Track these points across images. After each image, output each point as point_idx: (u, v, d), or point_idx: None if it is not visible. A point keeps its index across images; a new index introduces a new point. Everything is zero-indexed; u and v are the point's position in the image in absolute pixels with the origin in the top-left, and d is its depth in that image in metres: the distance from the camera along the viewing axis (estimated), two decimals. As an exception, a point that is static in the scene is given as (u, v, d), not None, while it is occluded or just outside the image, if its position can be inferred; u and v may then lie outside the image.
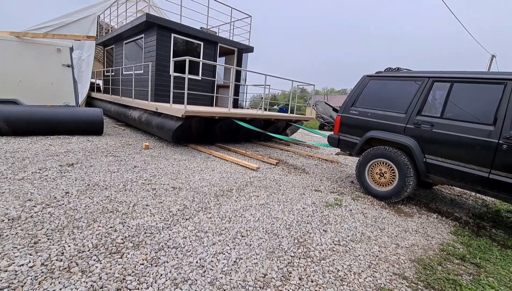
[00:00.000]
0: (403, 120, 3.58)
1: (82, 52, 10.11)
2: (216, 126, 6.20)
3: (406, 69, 4.04)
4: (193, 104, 8.16)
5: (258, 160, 5.45)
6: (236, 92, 9.77)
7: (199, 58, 8.38)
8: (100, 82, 14.96)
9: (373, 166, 3.88)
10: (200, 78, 8.58)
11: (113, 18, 10.39)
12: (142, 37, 8.22)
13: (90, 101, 11.29)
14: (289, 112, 9.39)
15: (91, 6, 10.47)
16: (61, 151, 4.50)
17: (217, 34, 9.01)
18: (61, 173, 3.44)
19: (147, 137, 6.86)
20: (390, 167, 3.68)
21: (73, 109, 6.36)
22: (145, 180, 3.52)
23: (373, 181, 3.89)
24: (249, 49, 9.74)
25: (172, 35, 7.77)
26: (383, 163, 3.76)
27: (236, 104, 9.91)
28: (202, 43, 8.41)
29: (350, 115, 4.19)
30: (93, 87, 12.59)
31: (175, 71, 7.69)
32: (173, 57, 7.76)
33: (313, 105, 14.91)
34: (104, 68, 12.51)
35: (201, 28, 8.62)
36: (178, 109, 5.23)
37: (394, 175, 3.64)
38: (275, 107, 22.91)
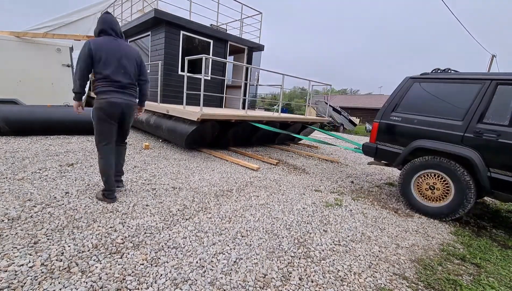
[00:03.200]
0: (460, 129, 3.14)
1: None
2: (231, 130, 5.81)
3: (453, 70, 3.69)
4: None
5: (258, 160, 5.45)
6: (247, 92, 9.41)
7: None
8: None
9: (421, 178, 3.43)
10: (209, 78, 8.14)
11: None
12: (148, 35, 7.80)
13: (91, 102, 11.20)
14: (305, 113, 9.18)
15: (91, 6, 10.47)
16: (61, 151, 4.50)
17: (227, 32, 8.57)
18: (61, 173, 3.44)
19: (147, 137, 6.86)
20: (443, 180, 3.25)
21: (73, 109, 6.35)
22: (145, 180, 3.52)
23: (421, 195, 3.44)
24: (260, 47, 9.24)
25: (181, 32, 7.30)
26: (434, 175, 3.32)
27: (247, 106, 9.68)
28: (211, 41, 7.98)
29: (391, 122, 3.73)
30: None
31: (182, 70, 7.43)
32: (181, 56, 7.39)
33: (314, 105, 14.93)
34: None
35: (211, 25, 8.19)
36: (193, 112, 4.86)
37: (448, 189, 3.21)
38: (275, 107, 22.93)
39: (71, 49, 7.26)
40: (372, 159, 4.23)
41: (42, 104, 6.49)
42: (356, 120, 18.35)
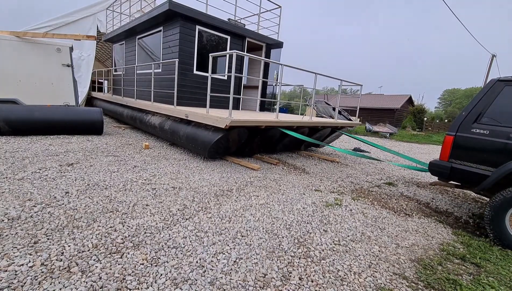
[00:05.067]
0: None
1: (82, 52, 10.10)
2: (258, 137, 5.22)
3: None
4: (216, 108, 6.88)
5: (258, 160, 5.45)
6: (264, 93, 8.66)
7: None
8: (106, 82, 14.73)
9: None
10: (225, 78, 7.52)
11: (116, 16, 10.16)
12: (160, 31, 7.17)
13: (96, 104, 10.91)
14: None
15: (91, 6, 10.45)
16: (61, 151, 4.50)
17: (245, 27, 7.84)
18: (61, 172, 3.44)
19: (147, 137, 6.86)
20: None
21: (73, 109, 6.36)
22: (145, 179, 3.52)
23: None
24: (279, 44, 8.47)
25: (197, 27, 6.62)
26: None
27: (263, 107, 8.84)
28: (229, 38, 7.33)
29: (474, 135, 3.06)
30: (100, 88, 12.31)
31: (197, 69, 6.88)
32: (196, 54, 6.77)
33: (313, 105, 14.90)
34: (113, 66, 11.35)
35: (228, 19, 7.49)
36: (220, 118, 4.22)
37: None
38: (274, 107, 22.90)
39: (71, 49, 7.25)
40: (436, 179, 3.53)
41: (42, 104, 6.49)
42: (355, 119, 18.34)
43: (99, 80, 13.15)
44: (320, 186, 4.12)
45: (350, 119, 17.11)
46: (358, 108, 7.87)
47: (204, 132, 4.67)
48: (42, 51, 6.79)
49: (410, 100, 29.62)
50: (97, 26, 10.67)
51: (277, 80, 9.19)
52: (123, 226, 2.29)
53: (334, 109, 15.74)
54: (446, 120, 29.06)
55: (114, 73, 10.97)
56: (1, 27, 8.38)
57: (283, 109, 21.98)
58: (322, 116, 15.35)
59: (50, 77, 6.93)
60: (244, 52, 7.64)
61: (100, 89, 12.59)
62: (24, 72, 6.60)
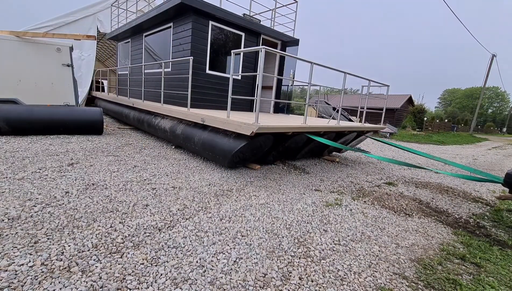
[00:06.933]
0: None
1: (82, 52, 10.09)
2: (283, 144, 4.70)
3: None
4: (226, 110, 6.22)
5: (258, 160, 5.45)
6: (278, 94, 8.18)
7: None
8: (105, 82, 14.65)
9: None
10: (239, 78, 7.02)
11: (120, 13, 10.00)
12: (170, 27, 6.67)
13: (99, 104, 10.70)
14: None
15: (91, 5, 10.44)
16: (61, 151, 4.50)
17: (260, 23, 7.29)
18: (61, 172, 3.44)
19: (147, 137, 6.86)
20: None
21: (73, 109, 6.36)
22: (145, 179, 3.52)
23: None
24: (295, 41, 7.89)
25: (210, 23, 6.15)
26: None
27: (277, 109, 8.50)
28: (243, 34, 6.81)
29: None
30: (102, 87, 12.24)
31: (210, 68, 6.42)
32: (209, 51, 6.30)
33: (313, 105, 14.94)
34: (117, 66, 11.02)
35: (243, 15, 6.97)
36: (244, 124, 3.63)
37: None
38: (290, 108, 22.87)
39: (71, 49, 7.25)
40: (506, 192, 3.08)
41: (42, 104, 6.49)
42: (356, 120, 18.38)
43: (100, 80, 13.14)
44: (320, 186, 4.12)
45: (350, 119, 17.16)
46: (379, 110, 7.28)
47: (223, 140, 4.12)
48: (42, 51, 6.78)
49: (410, 100, 29.63)
50: (97, 26, 10.66)
51: (293, 78, 8.63)
52: (123, 226, 2.29)
53: (334, 109, 15.78)
54: (446, 120, 29.06)
55: (119, 73, 10.60)
56: (1, 27, 8.38)
57: (283, 109, 21.95)
58: (322, 116, 15.39)
59: (50, 77, 6.93)
60: (259, 50, 7.25)
61: (102, 89, 12.55)
62: (24, 72, 6.59)
